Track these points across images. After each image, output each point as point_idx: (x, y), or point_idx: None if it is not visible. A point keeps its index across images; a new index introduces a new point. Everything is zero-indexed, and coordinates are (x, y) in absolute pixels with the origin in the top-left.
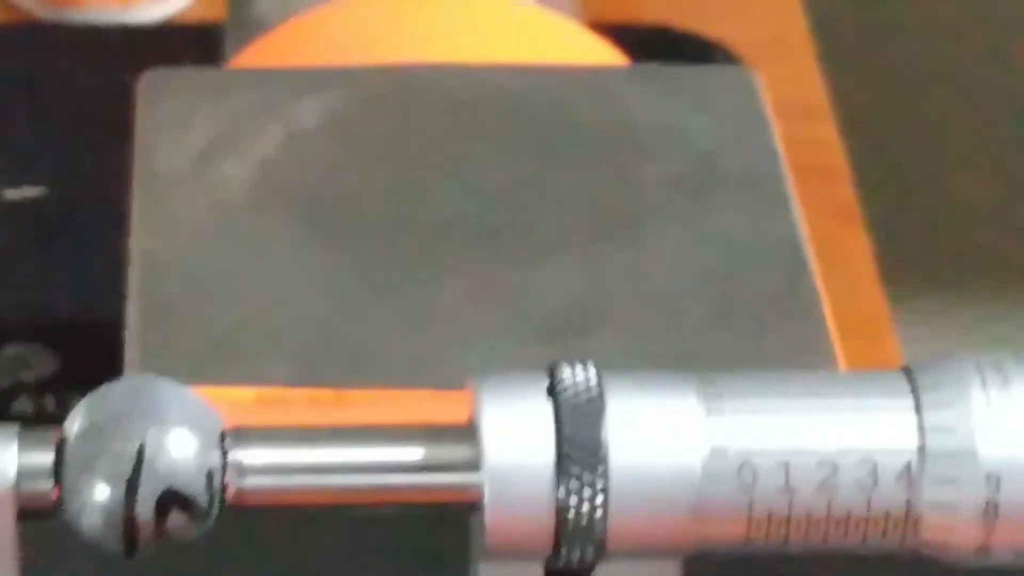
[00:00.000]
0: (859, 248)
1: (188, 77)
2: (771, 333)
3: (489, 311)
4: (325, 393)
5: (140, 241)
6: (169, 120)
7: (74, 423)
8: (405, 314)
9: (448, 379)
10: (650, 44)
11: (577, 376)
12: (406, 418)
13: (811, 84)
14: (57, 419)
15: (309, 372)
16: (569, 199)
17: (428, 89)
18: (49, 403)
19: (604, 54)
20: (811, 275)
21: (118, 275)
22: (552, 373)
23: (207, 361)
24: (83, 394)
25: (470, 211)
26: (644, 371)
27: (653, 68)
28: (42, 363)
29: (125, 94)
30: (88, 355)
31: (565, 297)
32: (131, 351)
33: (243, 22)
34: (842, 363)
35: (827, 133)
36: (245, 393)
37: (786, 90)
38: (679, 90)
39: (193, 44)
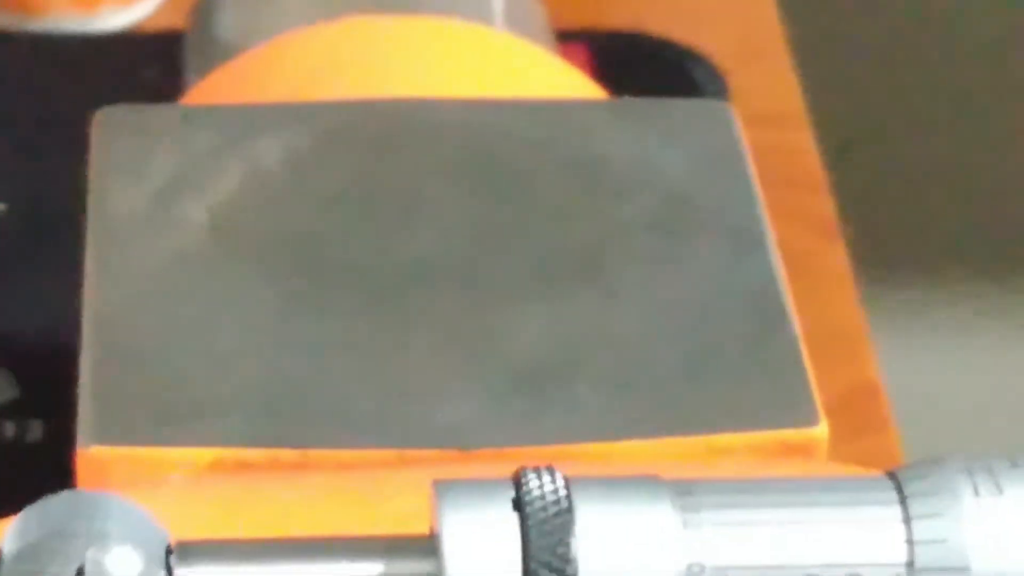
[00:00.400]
0: (837, 263)
1: (145, 114)
2: (749, 386)
3: (458, 362)
4: (286, 454)
5: (94, 289)
6: (125, 160)
7: (11, 542)
8: (371, 367)
9: (416, 437)
10: (624, 50)
11: (545, 485)
12: (371, 482)
13: (787, 92)
14: (17, 446)
15: (270, 431)
16: (540, 241)
17: (393, 126)
18: (8, 429)
19: (577, 83)
20: (790, 324)
21: (81, 298)
22: (518, 482)
23: (163, 420)
24: (44, 420)
25: (437, 255)
26: (615, 479)
27: (627, 102)
28: (2, 388)
29: (88, 105)
30: (50, 380)
31: (536, 346)
32: (83, 409)
33: (204, 44)
34: (823, 416)
35: (804, 142)
36: (202, 455)
37: (761, 98)
38: (653, 126)
39: (157, 53)
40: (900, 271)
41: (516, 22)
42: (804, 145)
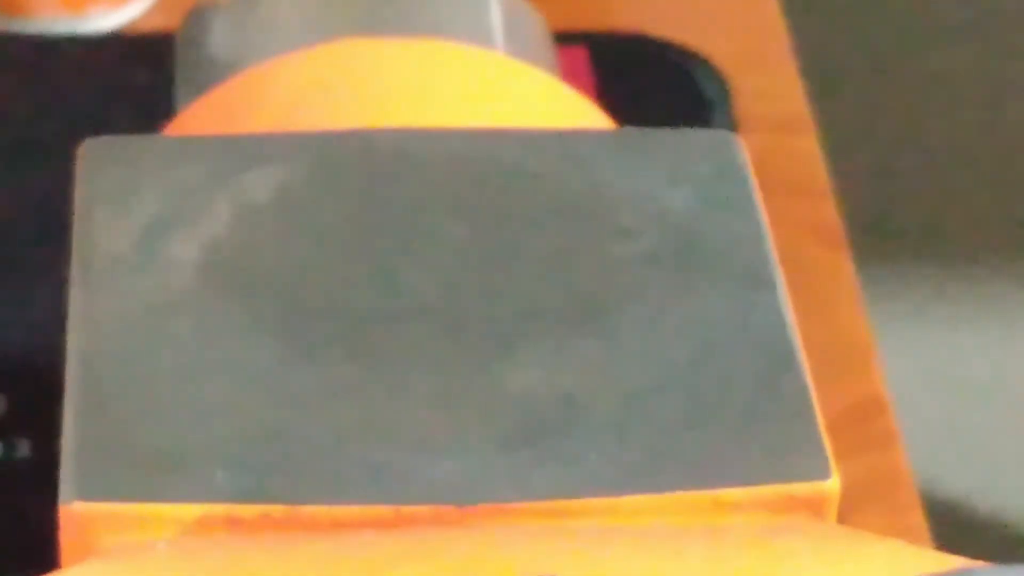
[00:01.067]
0: (843, 273)
1: (131, 146)
2: (756, 437)
3: (456, 412)
4: (276, 510)
5: (78, 334)
6: (110, 196)
7: None
8: (364, 417)
9: (411, 493)
10: (625, 52)
11: None
12: (366, 549)
13: (792, 97)
14: (5, 464)
15: (259, 485)
16: (541, 281)
17: (386, 159)
18: None
19: (580, 109)
20: (799, 367)
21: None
22: None
23: (148, 474)
24: (31, 438)
25: (434, 296)
26: None
27: (630, 132)
28: None
29: (78, 108)
30: (37, 398)
31: (535, 394)
32: (66, 462)
33: (195, 60)
34: (835, 469)
35: (809, 148)
36: (189, 511)
37: (766, 103)
38: (658, 158)
39: (147, 54)
40: (904, 274)
41: (517, 39)
42: (809, 150)
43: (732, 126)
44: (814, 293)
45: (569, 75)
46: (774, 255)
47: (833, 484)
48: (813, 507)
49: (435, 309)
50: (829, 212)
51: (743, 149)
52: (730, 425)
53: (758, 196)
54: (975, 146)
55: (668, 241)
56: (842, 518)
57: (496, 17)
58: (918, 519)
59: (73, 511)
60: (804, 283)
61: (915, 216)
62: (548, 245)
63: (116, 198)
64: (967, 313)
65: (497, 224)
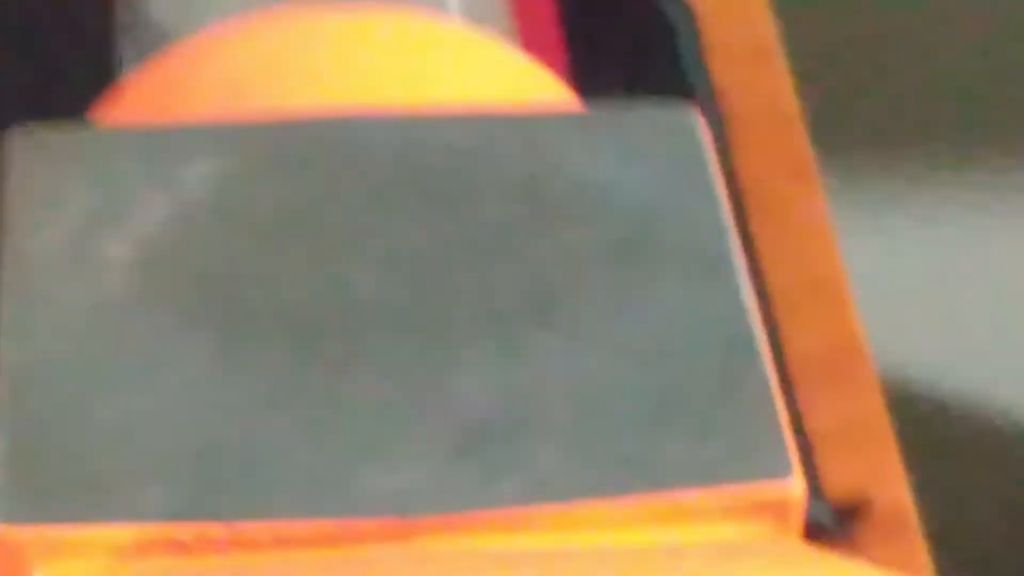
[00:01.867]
0: (814, 207)
1: (63, 138)
2: (718, 434)
3: (403, 418)
4: (216, 529)
5: (6, 344)
6: (41, 191)
7: None
8: (307, 426)
9: (357, 505)
10: None
11: None
12: (311, 561)
13: (760, 24)
14: None
15: (197, 503)
16: (490, 275)
17: (331, 146)
18: None
19: (539, 81)
20: (760, 362)
21: None
22: None
23: (81, 494)
24: None
25: (378, 294)
26: None
27: (583, 113)
28: None
29: (30, 52)
30: None
31: (487, 397)
32: None
33: (137, 26)
34: (796, 468)
35: (779, 78)
36: (122, 532)
37: (735, 30)
38: (615, 140)
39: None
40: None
41: (473, 4)
42: (780, 82)
43: (699, 55)
44: (783, 229)
45: (531, 8)
46: (734, 241)
47: (795, 485)
48: (776, 511)
49: (380, 309)
50: (800, 143)
51: (704, 128)
52: (688, 425)
53: (719, 179)
54: (939, 61)
55: (625, 229)
56: (815, 468)
57: None
58: (894, 467)
59: (1, 536)
60: (773, 218)
61: (877, 123)
62: (500, 237)
63: (47, 195)
64: (931, 216)
65: (446, 215)
